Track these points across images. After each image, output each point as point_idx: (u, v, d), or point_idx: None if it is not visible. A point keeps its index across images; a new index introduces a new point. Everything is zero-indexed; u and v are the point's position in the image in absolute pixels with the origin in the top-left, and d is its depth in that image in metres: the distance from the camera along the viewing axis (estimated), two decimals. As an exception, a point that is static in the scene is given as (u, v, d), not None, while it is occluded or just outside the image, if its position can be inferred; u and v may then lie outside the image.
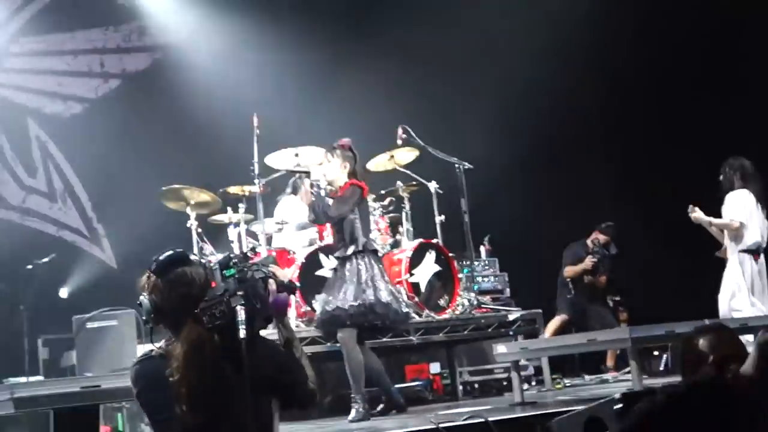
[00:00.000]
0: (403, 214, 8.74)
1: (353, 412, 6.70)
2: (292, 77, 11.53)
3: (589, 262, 9.87)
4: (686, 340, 3.66)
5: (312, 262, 7.81)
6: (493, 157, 10.50)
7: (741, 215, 7.94)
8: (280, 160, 8.33)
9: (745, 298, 7.86)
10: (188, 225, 8.44)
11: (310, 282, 7.71)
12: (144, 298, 3.26)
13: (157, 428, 3.27)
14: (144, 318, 3.29)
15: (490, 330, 8.41)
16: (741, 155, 8.22)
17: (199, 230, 8.49)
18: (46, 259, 9.36)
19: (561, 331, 9.59)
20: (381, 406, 7.12)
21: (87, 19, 11.70)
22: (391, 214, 8.59)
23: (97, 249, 11.37)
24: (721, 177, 8.17)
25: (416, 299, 8.06)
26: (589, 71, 11.41)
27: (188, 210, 8.50)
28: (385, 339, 7.50)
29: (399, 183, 8.77)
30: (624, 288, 10.50)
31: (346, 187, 6.87)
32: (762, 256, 7.98)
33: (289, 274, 7.77)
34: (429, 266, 8.27)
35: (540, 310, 8.75)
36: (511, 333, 8.39)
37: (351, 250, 6.84)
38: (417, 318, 7.97)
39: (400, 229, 8.70)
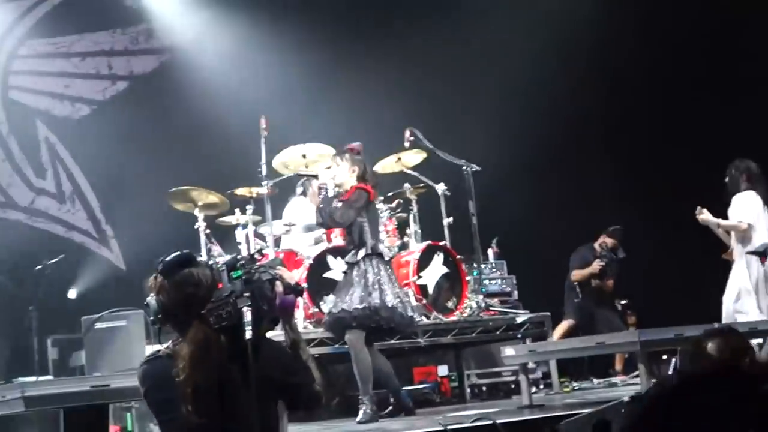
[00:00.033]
0: (411, 216, 8.75)
1: (361, 414, 6.70)
2: (300, 79, 11.55)
3: (596, 265, 9.84)
4: (695, 343, 3.66)
5: (320, 263, 7.81)
6: (501, 159, 10.50)
7: (749, 217, 7.93)
8: (289, 161, 8.33)
9: (753, 301, 7.85)
10: (196, 226, 8.46)
11: (318, 284, 7.73)
12: (151, 299, 3.29)
13: (164, 428, 3.29)
14: (151, 318, 3.31)
15: (498, 332, 8.40)
16: (746, 156, 8.21)
17: (207, 232, 8.50)
18: (55, 260, 9.37)
19: (568, 335, 9.56)
20: (389, 408, 7.12)
21: (95, 21, 11.72)
22: (399, 215, 8.60)
23: (105, 250, 11.40)
24: (727, 179, 8.17)
25: (424, 301, 8.06)
26: (592, 72, 11.41)
27: (196, 211, 8.51)
28: (392, 341, 7.50)
29: (407, 185, 8.77)
30: (632, 291, 10.47)
31: (352, 191, 6.86)
32: None
33: (297, 276, 7.78)
34: (437, 268, 8.27)
35: (548, 313, 8.74)
36: (519, 336, 8.37)
37: (360, 254, 6.84)
38: (425, 320, 7.97)
39: (408, 231, 8.71)
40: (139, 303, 3.39)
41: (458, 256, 8.50)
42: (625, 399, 4.08)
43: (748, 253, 7.92)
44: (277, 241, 8.38)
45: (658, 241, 10.55)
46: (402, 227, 8.65)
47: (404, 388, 7.47)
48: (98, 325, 7.87)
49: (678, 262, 10.34)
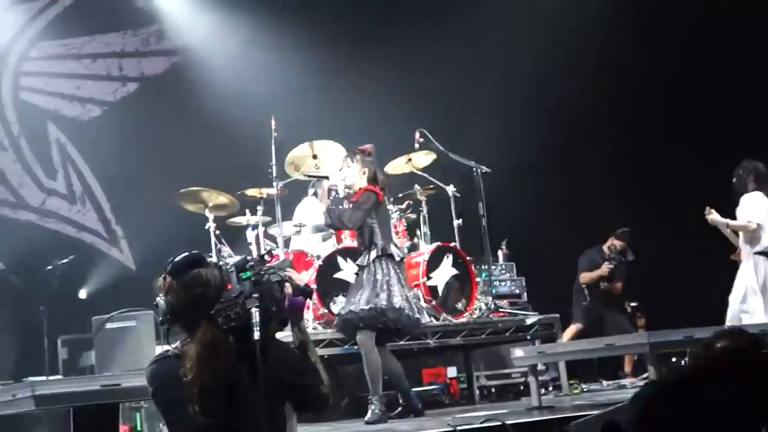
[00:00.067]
0: (421, 218, 8.75)
1: (369, 413, 6.70)
2: (310, 80, 11.57)
3: (605, 268, 9.80)
4: (705, 345, 3.64)
5: (330, 264, 7.82)
6: (511, 161, 10.50)
7: (758, 217, 7.92)
8: (299, 162, 8.33)
9: (759, 302, 7.83)
10: (206, 227, 8.47)
11: (328, 285, 7.74)
12: (160, 299, 3.30)
13: (171, 428, 3.30)
14: (160, 319, 3.32)
15: (507, 334, 8.39)
16: (751, 157, 8.20)
17: (217, 232, 8.52)
18: (65, 260, 9.39)
19: (577, 339, 9.54)
20: (398, 409, 7.12)
21: (105, 23, 11.75)
22: (409, 216, 8.60)
23: (115, 250, 11.43)
24: (735, 179, 8.16)
25: (433, 303, 8.05)
26: (598, 72, 11.40)
27: (206, 212, 8.53)
28: (402, 342, 7.50)
29: (416, 186, 8.78)
30: (641, 294, 10.45)
31: (360, 193, 6.87)
32: None
33: (306, 277, 7.79)
34: (446, 270, 8.27)
35: (557, 315, 8.73)
36: (528, 337, 8.36)
37: (371, 257, 6.85)
38: (434, 322, 7.97)
39: (418, 232, 8.71)
40: (149, 303, 3.40)
41: (468, 258, 8.50)
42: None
43: (756, 253, 7.91)
44: (287, 242, 8.38)
45: (668, 243, 10.54)
46: (411, 228, 8.66)
47: (413, 389, 7.47)
48: (108, 326, 7.89)
49: (687, 263, 10.32)
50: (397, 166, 8.83)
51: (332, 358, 7.60)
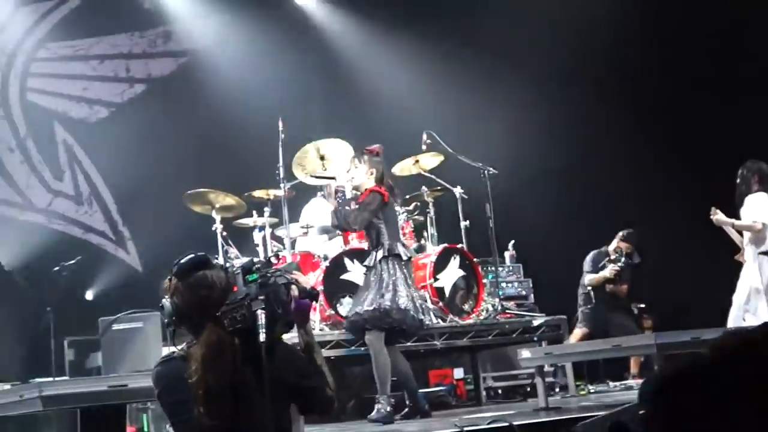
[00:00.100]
0: (428, 219, 8.74)
1: (375, 411, 6.70)
2: (317, 81, 11.57)
3: (611, 270, 9.74)
4: (713, 344, 3.63)
5: (337, 265, 7.82)
6: (518, 162, 10.50)
7: (763, 217, 7.90)
8: (306, 163, 8.33)
9: (763, 303, 7.81)
10: (213, 228, 8.48)
11: (335, 286, 7.74)
12: (165, 301, 3.30)
13: (177, 429, 3.31)
14: (166, 320, 3.33)
15: (514, 335, 8.38)
16: (758, 157, 8.18)
17: (224, 234, 8.52)
18: (72, 262, 9.41)
19: None
20: (405, 410, 7.12)
21: (113, 24, 11.79)
22: (416, 218, 8.60)
23: (122, 252, 11.45)
24: (738, 180, 8.14)
25: (440, 304, 8.05)
26: (609, 74, 11.38)
27: (213, 213, 8.54)
28: (409, 343, 7.49)
29: (424, 188, 8.78)
30: (648, 295, 10.43)
31: (366, 194, 6.87)
32: None
33: (313, 278, 7.79)
34: (453, 271, 8.26)
35: (564, 316, 8.72)
36: (535, 339, 8.35)
37: (377, 257, 6.85)
38: (441, 323, 7.96)
39: (425, 233, 8.71)
40: (156, 304, 3.41)
41: (475, 259, 8.50)
42: (642, 401, 4.05)
43: (761, 253, 7.89)
44: (294, 243, 8.38)
45: (676, 244, 10.50)
46: (419, 230, 8.65)
47: (420, 390, 7.47)
48: (115, 327, 7.88)
49: (695, 265, 10.28)
50: (404, 168, 8.83)
51: (339, 360, 7.59)
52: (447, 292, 8.17)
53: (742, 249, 8.15)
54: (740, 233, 8.13)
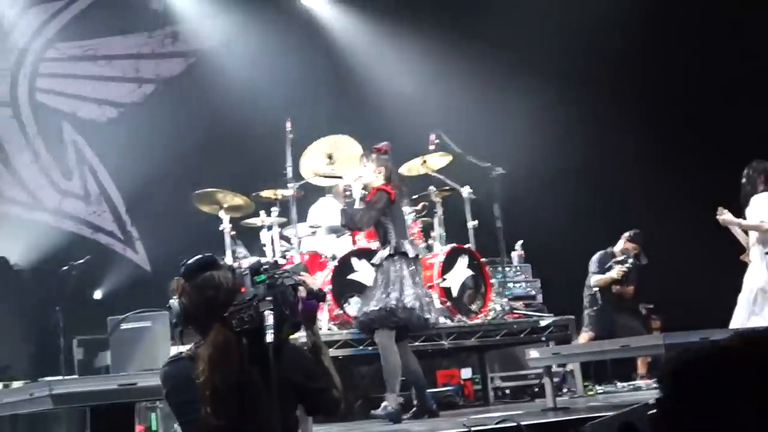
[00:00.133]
0: (436, 219, 8.74)
1: (381, 408, 6.70)
2: (325, 81, 11.59)
3: (619, 271, 9.71)
4: (723, 347, 3.62)
5: (345, 265, 7.83)
6: (527, 163, 10.50)
7: None
8: (314, 163, 8.34)
9: None
10: (221, 228, 8.49)
11: (343, 285, 7.75)
12: (173, 302, 3.32)
13: (185, 429, 3.33)
14: (173, 321, 3.35)
15: (522, 335, 8.37)
16: (764, 157, 8.16)
17: (233, 233, 8.53)
18: (81, 261, 9.43)
19: None
20: (413, 410, 7.12)
21: (122, 24, 11.81)
22: (425, 219, 8.60)
23: (130, 251, 11.47)
24: (744, 180, 8.11)
25: (448, 304, 8.05)
26: (619, 74, 11.37)
27: (221, 213, 8.55)
28: (417, 343, 7.50)
29: (432, 188, 8.77)
30: (657, 295, 10.41)
31: (373, 192, 6.88)
32: None
33: (321, 279, 7.81)
34: (461, 271, 8.26)
35: (573, 317, 8.72)
36: (543, 339, 8.35)
37: (383, 255, 6.86)
38: (449, 323, 7.96)
39: (433, 233, 8.71)
40: (164, 304, 3.42)
41: (483, 259, 8.50)
42: (650, 402, 4.06)
43: (767, 253, 7.87)
44: (301, 243, 8.38)
45: (684, 244, 10.48)
46: (427, 230, 8.66)
47: (427, 390, 7.47)
48: (123, 326, 7.90)
49: (705, 265, 10.26)
50: (412, 168, 8.83)
51: (347, 359, 7.61)
52: (455, 292, 8.17)
53: (747, 249, 8.13)
54: (746, 233, 8.12)
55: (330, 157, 8.22)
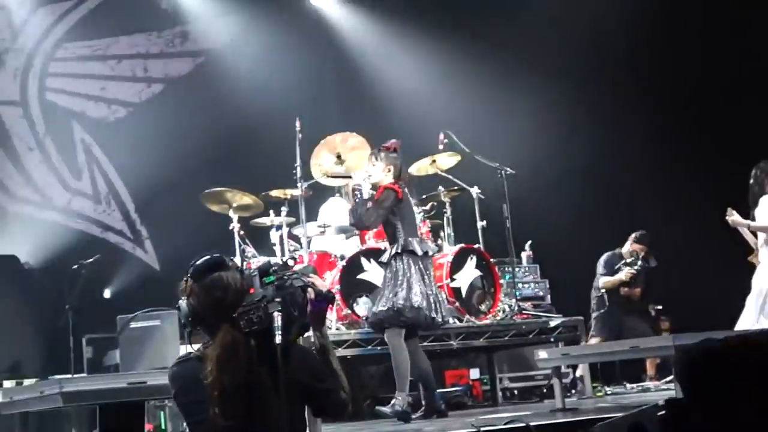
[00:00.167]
0: (445, 219, 8.74)
1: (389, 406, 6.70)
2: (334, 80, 11.59)
3: (627, 273, 9.69)
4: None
5: (354, 265, 7.83)
6: (536, 163, 10.50)
7: None
8: (323, 162, 8.33)
9: None
10: (230, 227, 8.50)
11: (352, 285, 7.75)
12: (182, 302, 3.32)
13: (192, 429, 3.32)
14: (182, 321, 3.35)
15: (530, 336, 8.35)
16: None
17: (242, 233, 8.54)
18: (90, 260, 9.44)
19: None
20: (421, 410, 7.12)
21: (131, 24, 11.84)
22: (435, 221, 8.61)
23: (140, 250, 11.49)
24: (752, 180, 8.09)
25: (457, 304, 8.04)
26: (629, 75, 11.37)
27: (231, 213, 8.56)
28: (425, 343, 7.49)
29: (440, 188, 8.77)
30: (666, 296, 10.39)
31: (380, 191, 6.88)
32: None
33: (330, 278, 7.81)
34: (470, 271, 8.25)
35: (581, 317, 8.71)
36: (552, 339, 8.34)
37: (391, 253, 6.87)
38: (457, 323, 7.96)
39: (442, 233, 8.71)
40: (173, 303, 3.43)
41: (492, 260, 8.49)
42: (660, 403, 4.04)
43: None
44: (311, 243, 8.39)
45: (693, 245, 10.46)
46: (436, 230, 8.65)
47: (437, 390, 7.46)
48: (133, 325, 7.94)
49: (714, 265, 10.24)
50: (421, 168, 8.83)
51: (355, 359, 7.61)
52: (463, 293, 8.16)
53: (756, 250, 8.11)
54: (755, 234, 8.10)
55: (339, 156, 8.21)
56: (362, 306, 7.63)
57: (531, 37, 11.24)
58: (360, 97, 11.80)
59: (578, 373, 8.99)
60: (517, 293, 8.93)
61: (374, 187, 6.95)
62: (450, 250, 8.37)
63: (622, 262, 9.77)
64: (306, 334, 3.53)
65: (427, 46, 11.52)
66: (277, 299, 3.22)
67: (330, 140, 8.32)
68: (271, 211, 8.56)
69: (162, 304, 7.95)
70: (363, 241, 8.21)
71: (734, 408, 2.36)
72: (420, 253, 6.84)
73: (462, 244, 8.43)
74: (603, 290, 9.75)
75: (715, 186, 10.05)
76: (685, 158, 11.02)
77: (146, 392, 4.72)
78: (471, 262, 8.27)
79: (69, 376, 7.90)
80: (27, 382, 8.06)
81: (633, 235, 9.87)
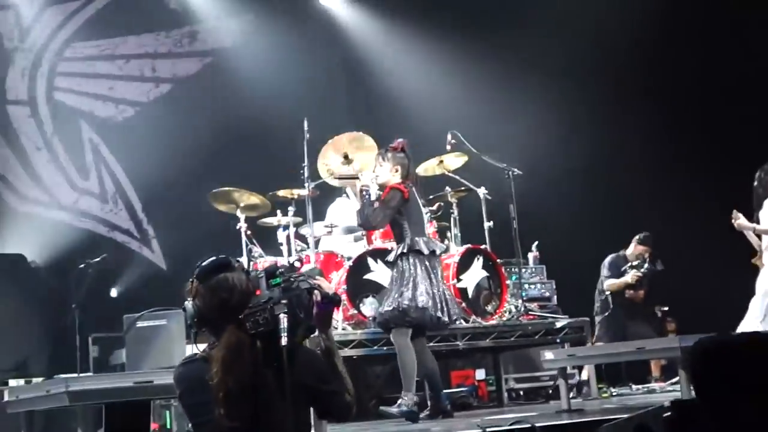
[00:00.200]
0: (452, 220, 8.74)
1: (395, 405, 6.69)
2: (342, 81, 11.60)
3: (634, 276, 9.66)
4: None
5: (360, 265, 7.83)
6: (543, 164, 10.48)
7: None
8: (330, 161, 8.34)
9: None
10: (238, 227, 8.51)
11: (358, 285, 7.75)
12: (188, 303, 3.33)
13: (197, 430, 3.33)
14: (188, 322, 3.36)
15: (536, 337, 8.35)
16: None
17: (249, 232, 8.55)
18: (97, 259, 9.46)
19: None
20: (427, 410, 7.12)
21: (139, 24, 11.86)
22: (442, 224, 8.60)
23: (146, 250, 11.51)
24: (756, 182, 8.07)
25: (463, 304, 8.03)
26: (634, 76, 11.35)
27: (238, 212, 8.57)
28: (431, 344, 7.48)
29: (448, 188, 8.76)
30: (672, 297, 10.37)
31: (386, 192, 6.88)
32: None
33: (336, 278, 7.82)
34: (477, 272, 8.25)
35: (587, 318, 8.70)
36: (558, 340, 8.33)
37: (397, 252, 6.87)
38: (463, 323, 7.95)
39: (448, 234, 8.70)
40: (180, 303, 3.44)
41: (498, 260, 8.49)
42: (666, 404, 4.04)
43: None
44: (317, 243, 8.40)
45: (699, 245, 10.44)
46: (443, 231, 8.65)
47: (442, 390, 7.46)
48: (139, 324, 7.93)
49: (719, 266, 10.22)
50: (428, 168, 8.82)
51: (361, 359, 7.61)
52: (470, 293, 8.16)
53: (759, 252, 8.09)
54: (759, 237, 8.08)
55: (346, 156, 8.21)
56: (369, 306, 7.63)
57: (537, 38, 11.22)
58: (368, 97, 11.81)
59: (584, 376, 8.97)
60: (524, 294, 8.92)
61: (382, 187, 6.95)
62: (457, 250, 8.37)
63: (629, 264, 9.74)
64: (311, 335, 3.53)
65: (435, 46, 11.51)
66: (284, 301, 3.23)
67: (337, 140, 8.33)
68: (278, 211, 8.56)
69: (168, 303, 7.94)
70: (370, 241, 8.21)
71: (742, 407, 2.36)
72: (426, 252, 6.82)
73: (469, 245, 8.44)
74: (608, 292, 9.73)
75: (718, 186, 10.05)
76: (689, 158, 11.00)
77: (152, 391, 4.73)
78: (477, 262, 8.27)
79: (75, 375, 7.90)
80: (34, 380, 8.07)
81: (636, 237, 9.85)
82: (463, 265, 8.18)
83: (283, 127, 9.53)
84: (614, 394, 8.92)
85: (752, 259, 8.13)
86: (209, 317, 3.31)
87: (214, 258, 3.39)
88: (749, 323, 7.67)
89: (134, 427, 4.92)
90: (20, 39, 11.41)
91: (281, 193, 8.48)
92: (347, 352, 7.31)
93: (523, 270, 9.17)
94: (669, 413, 3.68)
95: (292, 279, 3.31)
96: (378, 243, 8.05)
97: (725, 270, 9.73)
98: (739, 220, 7.96)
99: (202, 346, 3.33)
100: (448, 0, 11.73)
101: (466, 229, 8.79)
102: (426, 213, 8.06)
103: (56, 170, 11.36)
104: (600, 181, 11.32)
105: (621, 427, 4.50)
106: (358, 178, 7.55)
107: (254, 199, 8.62)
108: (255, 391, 3.19)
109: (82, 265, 9.43)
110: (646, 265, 9.61)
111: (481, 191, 8.77)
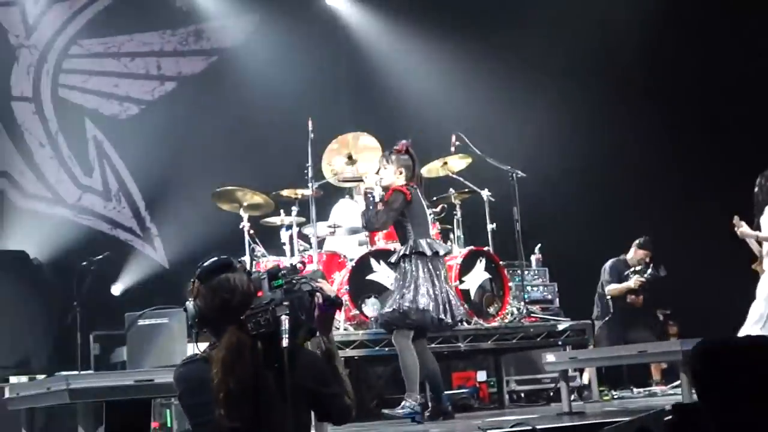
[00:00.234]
0: (455, 222, 8.74)
1: (399, 407, 6.69)
2: (347, 81, 11.58)
3: (637, 281, 9.65)
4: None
5: (363, 266, 7.83)
6: (546, 166, 10.47)
7: None
8: (334, 162, 8.34)
9: None
10: (241, 226, 8.50)
11: (361, 286, 7.75)
12: (189, 304, 3.33)
13: (197, 430, 3.32)
14: (189, 323, 3.36)
15: (538, 339, 8.37)
16: None
17: (251, 232, 8.54)
18: (99, 257, 9.45)
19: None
20: (428, 412, 7.12)
21: (145, 22, 11.85)
22: (445, 227, 8.60)
23: (149, 248, 11.50)
24: (756, 188, 8.05)
25: (465, 306, 8.01)
26: (637, 77, 11.34)
27: (241, 211, 8.56)
28: (433, 345, 7.49)
29: (451, 190, 8.77)
30: (674, 301, 10.35)
31: (389, 193, 6.88)
32: None
33: (339, 279, 7.82)
34: (479, 274, 8.25)
35: (589, 321, 8.71)
36: (560, 343, 8.34)
37: (400, 254, 6.87)
38: (465, 325, 7.94)
39: (451, 236, 8.70)
40: (182, 301, 3.43)
41: (501, 262, 8.49)
42: (667, 407, 4.04)
43: None
44: (321, 243, 8.40)
45: (702, 250, 10.43)
46: (446, 232, 8.65)
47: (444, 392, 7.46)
48: (141, 322, 7.94)
49: (721, 270, 10.21)
50: (432, 170, 8.83)
51: (363, 360, 7.61)
52: (472, 295, 8.16)
53: (760, 258, 8.08)
54: (759, 243, 8.07)
55: (350, 156, 8.21)
56: (371, 307, 7.63)
57: (537, 38, 11.23)
58: (372, 97, 11.80)
59: (585, 380, 8.96)
60: (526, 296, 8.92)
61: (385, 189, 6.95)
62: (459, 252, 8.37)
63: (631, 269, 9.73)
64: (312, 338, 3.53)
65: (437, 46, 11.51)
66: (285, 303, 3.23)
67: (341, 140, 8.33)
68: (282, 211, 8.55)
69: (170, 301, 7.95)
70: (373, 242, 8.21)
71: (742, 408, 2.36)
72: (429, 253, 6.81)
73: (471, 247, 8.44)
74: (609, 297, 9.72)
75: (719, 186, 10.04)
76: (694, 158, 10.99)
77: (153, 390, 4.73)
78: (480, 264, 8.27)
79: (76, 372, 7.92)
80: (41, 376, 8.06)
81: (636, 242, 9.85)
82: (466, 266, 8.18)
83: (288, 127, 9.53)
84: (615, 397, 8.92)
85: (752, 265, 8.12)
86: (210, 318, 3.30)
87: (215, 258, 3.39)
88: (749, 328, 7.66)
89: (135, 426, 4.92)
90: (26, 36, 11.40)
91: (285, 192, 8.47)
92: (349, 352, 7.31)
93: (526, 272, 9.16)
94: (670, 416, 3.68)
95: (294, 281, 3.31)
96: (381, 244, 8.05)
97: (727, 273, 9.73)
98: (742, 228, 7.95)
99: (204, 346, 3.33)
100: (450, 0, 11.72)
101: (469, 231, 8.79)
102: (430, 214, 8.07)
103: (60, 167, 11.36)
104: (602, 183, 11.31)
105: (622, 430, 4.49)
106: (362, 180, 7.55)
107: (257, 198, 8.61)
108: (255, 393, 3.19)
109: (84, 263, 9.42)
110: (649, 271, 9.60)
111: (485, 193, 8.78)
